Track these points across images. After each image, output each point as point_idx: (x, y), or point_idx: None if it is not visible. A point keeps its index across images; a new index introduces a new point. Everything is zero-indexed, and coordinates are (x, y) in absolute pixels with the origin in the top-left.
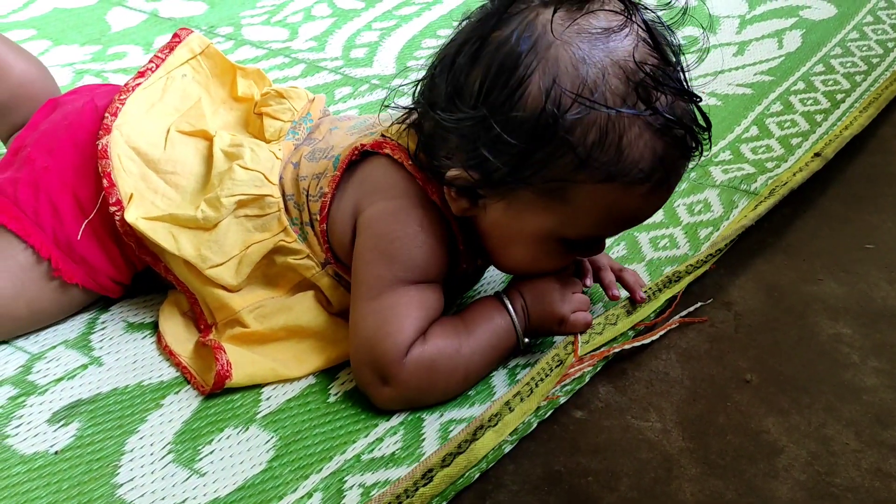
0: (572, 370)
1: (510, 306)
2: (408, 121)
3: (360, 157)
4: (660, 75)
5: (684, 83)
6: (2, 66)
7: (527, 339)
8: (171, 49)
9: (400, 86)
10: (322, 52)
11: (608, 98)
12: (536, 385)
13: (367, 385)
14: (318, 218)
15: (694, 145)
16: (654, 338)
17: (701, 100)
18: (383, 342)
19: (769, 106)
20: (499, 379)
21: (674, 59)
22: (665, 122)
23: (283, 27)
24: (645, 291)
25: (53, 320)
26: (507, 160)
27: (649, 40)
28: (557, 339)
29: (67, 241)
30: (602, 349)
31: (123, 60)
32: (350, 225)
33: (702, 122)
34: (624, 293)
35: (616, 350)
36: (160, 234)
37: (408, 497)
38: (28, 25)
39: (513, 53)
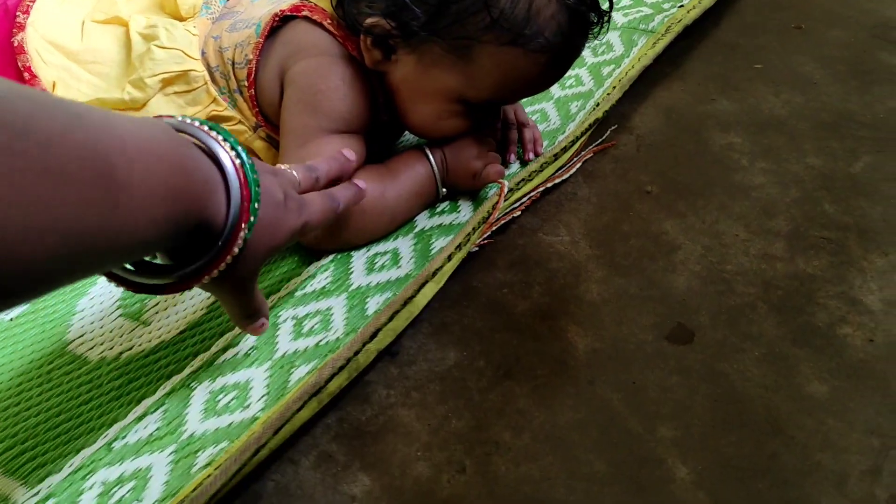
0: (494, 219)
1: (431, 156)
2: None
3: (280, 22)
4: None
5: None
6: None
7: (444, 190)
8: None
9: None
10: None
11: None
12: (468, 239)
13: None
14: (246, 84)
15: (595, 22)
16: (571, 173)
17: None
18: None
19: None
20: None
21: None
22: None
23: None
24: (554, 147)
25: None
26: (426, 10)
27: None
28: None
29: None
30: (523, 200)
31: None
32: (277, 85)
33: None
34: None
35: (533, 195)
36: None
37: (356, 355)
38: None
39: None
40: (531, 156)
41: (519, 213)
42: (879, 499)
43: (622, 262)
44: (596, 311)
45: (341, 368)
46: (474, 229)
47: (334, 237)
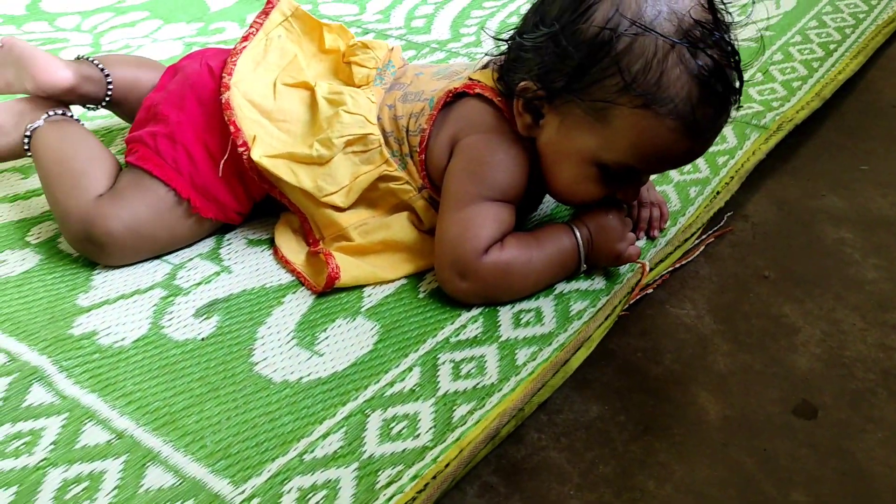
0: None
1: (577, 232)
2: (491, 65)
3: (453, 98)
4: (708, 31)
5: (729, 45)
6: (137, 84)
7: (585, 266)
8: (266, 14)
9: (498, 39)
10: (387, 23)
11: (659, 32)
12: (613, 311)
13: (447, 282)
14: (418, 149)
15: (727, 98)
16: (697, 254)
17: (740, 60)
18: (464, 244)
19: (772, 56)
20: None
21: (724, 26)
22: (705, 68)
23: (353, 3)
24: (680, 227)
25: (189, 244)
26: (566, 72)
27: (706, 4)
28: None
29: (203, 183)
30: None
31: (223, 34)
32: (446, 153)
33: (736, 83)
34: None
35: (664, 275)
36: (281, 169)
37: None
38: (141, 8)
39: None
40: (656, 232)
41: (652, 290)
42: None
43: (745, 339)
44: (724, 382)
45: (512, 417)
46: (621, 301)
47: (483, 292)
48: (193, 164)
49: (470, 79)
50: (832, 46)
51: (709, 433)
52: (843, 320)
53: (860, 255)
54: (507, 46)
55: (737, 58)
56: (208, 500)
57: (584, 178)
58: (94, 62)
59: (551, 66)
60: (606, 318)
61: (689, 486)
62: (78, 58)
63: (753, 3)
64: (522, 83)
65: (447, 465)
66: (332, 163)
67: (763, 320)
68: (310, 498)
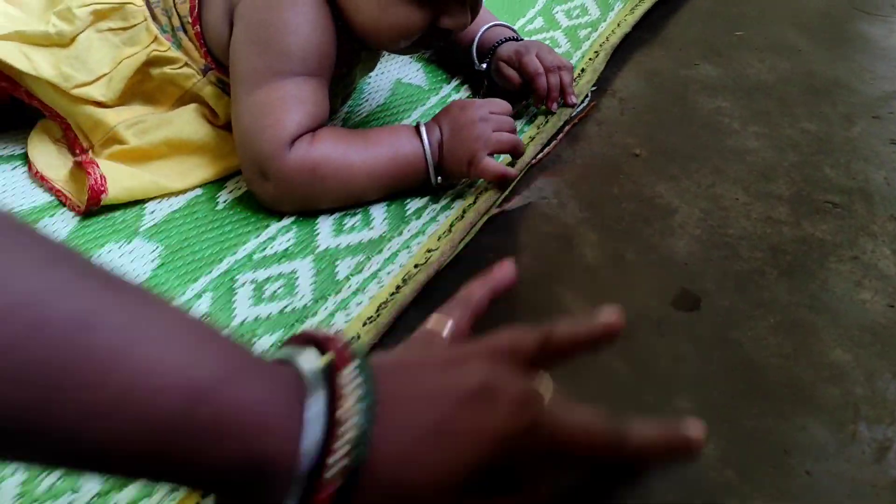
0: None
1: (424, 132)
2: None
3: None
4: None
5: None
6: None
7: (439, 178)
8: None
9: None
10: None
11: None
12: (452, 226)
13: (251, 181)
14: (190, 20)
15: None
16: (560, 139)
17: None
18: (261, 135)
19: None
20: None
21: None
22: None
23: None
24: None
25: None
26: None
27: None
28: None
29: None
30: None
31: None
32: (226, 22)
33: None
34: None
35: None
36: (11, 55)
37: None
38: None
39: None
40: (572, 98)
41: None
42: None
43: (615, 226)
44: (592, 277)
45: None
46: (465, 211)
47: (291, 195)
48: None
49: None
50: None
51: None
52: (723, 195)
53: (739, 124)
54: None
55: None
56: None
57: (392, 3)
58: None
59: None
60: (451, 227)
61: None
62: None
63: None
64: None
65: None
66: (78, 42)
67: (635, 203)
68: (266, 287)
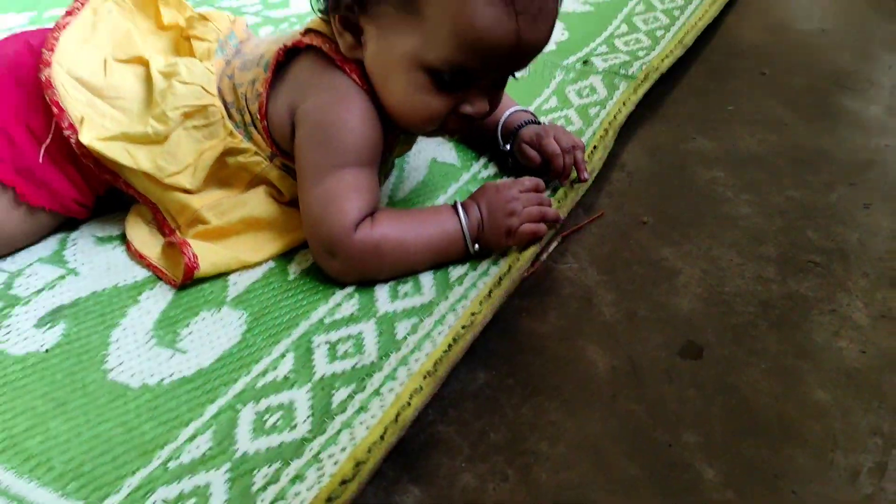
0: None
1: (462, 212)
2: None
3: (285, 57)
4: None
5: None
6: None
7: (477, 246)
8: None
9: None
10: (242, 0)
11: None
12: (491, 292)
13: (319, 258)
14: (258, 117)
15: None
16: (566, 233)
17: None
18: (329, 222)
19: (634, 7)
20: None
21: None
22: None
23: None
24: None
25: (25, 243)
26: None
27: None
28: None
29: (27, 167)
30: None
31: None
32: (288, 119)
33: None
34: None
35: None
36: (116, 152)
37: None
38: None
39: None
40: (585, 174)
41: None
42: (888, 491)
43: (628, 287)
44: (610, 332)
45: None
46: (501, 279)
47: (356, 270)
48: (14, 147)
49: (302, 32)
50: None
51: (598, 387)
52: (720, 258)
53: (732, 193)
54: None
55: None
56: None
57: (416, 87)
58: None
59: None
60: (490, 293)
61: (581, 443)
62: None
63: None
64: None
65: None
66: (170, 140)
67: (644, 266)
68: None
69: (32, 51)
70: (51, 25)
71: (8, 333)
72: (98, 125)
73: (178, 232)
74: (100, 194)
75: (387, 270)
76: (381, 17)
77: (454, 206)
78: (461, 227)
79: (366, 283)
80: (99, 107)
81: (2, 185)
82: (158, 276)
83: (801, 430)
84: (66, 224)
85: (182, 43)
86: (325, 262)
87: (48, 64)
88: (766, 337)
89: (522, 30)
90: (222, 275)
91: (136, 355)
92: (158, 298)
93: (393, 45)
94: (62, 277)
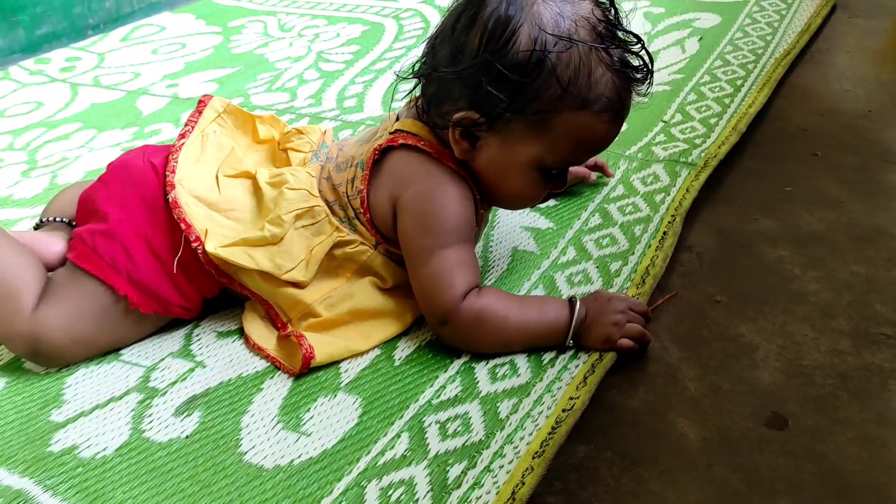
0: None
1: (578, 309)
2: (409, 110)
3: (380, 155)
4: (612, 27)
5: (630, 34)
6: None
7: (571, 342)
8: (200, 112)
9: (400, 77)
10: (320, 107)
11: (579, 40)
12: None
13: (434, 327)
14: (362, 210)
15: (640, 80)
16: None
17: (645, 42)
18: (441, 297)
19: (686, 97)
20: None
21: (619, 18)
22: (620, 61)
23: (284, 91)
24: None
25: (134, 342)
26: (507, 94)
27: (599, 5)
28: None
29: (140, 279)
30: None
31: (159, 136)
32: (389, 209)
33: (647, 61)
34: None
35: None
36: (238, 256)
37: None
38: (73, 120)
39: (504, 14)
40: (608, 169)
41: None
42: None
43: (709, 362)
44: (697, 405)
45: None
46: (594, 366)
47: (461, 336)
48: (131, 260)
49: (391, 132)
50: (739, 82)
51: (692, 456)
52: (795, 332)
53: (799, 270)
54: (421, 85)
55: (642, 41)
56: None
57: (530, 183)
58: (55, 219)
59: (486, 92)
60: (585, 379)
61: None
62: (36, 227)
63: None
64: (459, 114)
65: None
66: (285, 240)
67: (723, 342)
68: None
69: (155, 171)
70: (152, 140)
71: (151, 422)
72: (219, 235)
73: (289, 325)
74: (208, 297)
75: (487, 340)
76: (508, 131)
77: (570, 301)
78: (570, 321)
79: (466, 366)
80: (217, 219)
81: (116, 295)
82: (276, 366)
83: (891, 494)
84: (190, 322)
85: (278, 155)
86: (439, 329)
87: (173, 186)
88: (847, 406)
89: (617, 131)
90: (334, 363)
91: (266, 439)
92: (279, 386)
93: (517, 153)
94: (192, 370)
